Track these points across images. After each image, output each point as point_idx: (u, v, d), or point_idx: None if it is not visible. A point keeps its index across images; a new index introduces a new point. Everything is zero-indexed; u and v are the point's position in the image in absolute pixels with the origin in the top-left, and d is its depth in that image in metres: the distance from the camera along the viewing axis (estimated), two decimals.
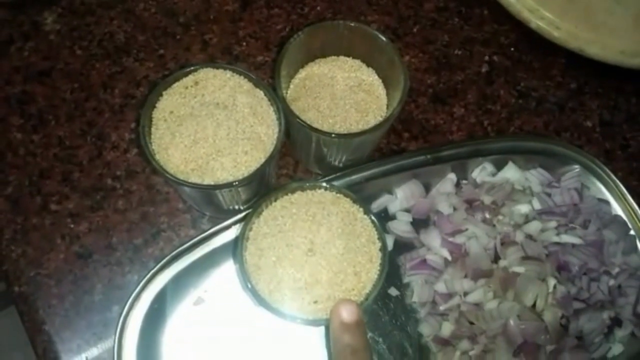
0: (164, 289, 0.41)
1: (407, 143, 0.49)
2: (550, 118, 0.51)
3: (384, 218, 0.45)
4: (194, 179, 0.37)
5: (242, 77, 0.40)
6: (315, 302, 0.35)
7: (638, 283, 0.43)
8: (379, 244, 0.37)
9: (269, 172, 0.41)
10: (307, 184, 0.38)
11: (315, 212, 0.37)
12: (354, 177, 0.44)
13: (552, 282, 0.42)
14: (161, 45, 0.51)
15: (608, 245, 0.44)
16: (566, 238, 0.43)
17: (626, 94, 0.53)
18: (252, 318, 0.41)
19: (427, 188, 0.46)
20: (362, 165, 0.45)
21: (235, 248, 0.42)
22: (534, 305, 0.41)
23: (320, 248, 0.36)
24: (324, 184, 0.38)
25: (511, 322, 0.40)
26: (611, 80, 0.53)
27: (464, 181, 0.46)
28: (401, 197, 0.45)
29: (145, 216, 0.45)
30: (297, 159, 0.48)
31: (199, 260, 0.42)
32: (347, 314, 0.34)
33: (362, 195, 0.39)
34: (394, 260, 0.44)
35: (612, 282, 0.43)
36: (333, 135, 0.39)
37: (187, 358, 0.41)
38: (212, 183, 0.37)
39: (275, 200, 0.38)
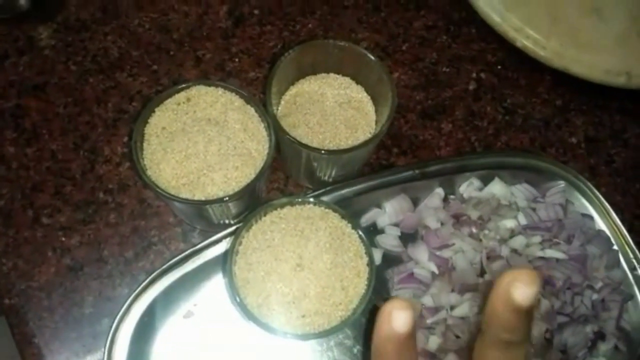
0: (154, 302, 0.42)
1: (396, 158, 0.50)
2: (536, 134, 0.52)
3: (372, 232, 0.46)
4: (185, 194, 0.37)
5: (233, 94, 0.40)
6: (303, 316, 0.36)
7: (621, 297, 0.44)
8: (366, 259, 0.38)
9: (259, 187, 0.41)
10: (296, 199, 0.39)
11: (303, 227, 0.38)
12: (343, 191, 0.45)
13: None
14: (155, 60, 0.52)
15: (591, 260, 0.44)
16: (550, 253, 0.44)
17: (610, 111, 0.54)
18: (242, 332, 0.41)
19: (415, 203, 0.47)
20: (351, 180, 0.45)
21: (224, 262, 0.42)
22: None
23: (309, 263, 0.36)
24: (313, 200, 0.39)
25: None
26: (596, 97, 0.54)
27: (452, 196, 0.47)
28: (390, 212, 0.46)
29: (136, 230, 0.46)
30: (288, 173, 0.49)
31: (189, 274, 0.42)
32: (402, 323, 0.25)
33: (351, 210, 0.39)
34: (382, 274, 0.45)
35: (595, 296, 0.44)
36: (323, 151, 0.40)
37: None
38: (203, 198, 0.37)
39: (265, 215, 0.38)
